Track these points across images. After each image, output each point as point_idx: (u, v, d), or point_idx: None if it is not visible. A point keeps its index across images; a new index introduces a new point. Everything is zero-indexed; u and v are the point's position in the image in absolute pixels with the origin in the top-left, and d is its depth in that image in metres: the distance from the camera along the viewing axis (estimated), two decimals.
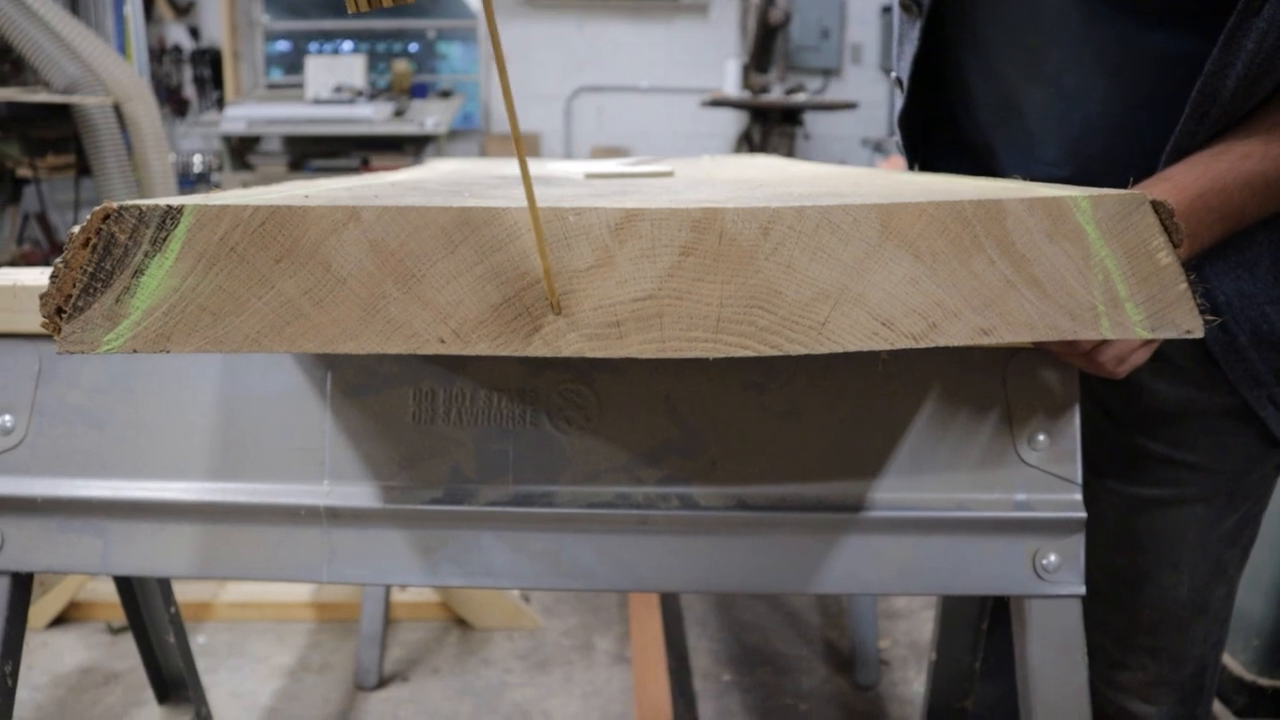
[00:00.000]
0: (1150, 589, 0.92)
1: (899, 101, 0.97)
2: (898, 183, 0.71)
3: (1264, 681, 1.72)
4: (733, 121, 5.99)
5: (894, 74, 0.97)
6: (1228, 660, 1.78)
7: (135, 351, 0.48)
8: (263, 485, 0.75)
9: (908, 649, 2.02)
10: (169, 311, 0.48)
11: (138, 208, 0.47)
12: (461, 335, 0.48)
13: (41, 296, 0.48)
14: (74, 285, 0.48)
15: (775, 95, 4.94)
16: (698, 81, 6.04)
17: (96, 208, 0.47)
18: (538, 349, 0.48)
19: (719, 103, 5.04)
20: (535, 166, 1.23)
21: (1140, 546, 0.91)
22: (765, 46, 4.89)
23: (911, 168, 1.02)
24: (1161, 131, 0.77)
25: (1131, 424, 0.88)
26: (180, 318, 0.48)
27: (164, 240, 0.47)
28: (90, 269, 0.47)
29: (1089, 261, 0.51)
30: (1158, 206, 0.51)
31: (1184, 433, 0.87)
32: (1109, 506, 0.90)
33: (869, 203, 0.48)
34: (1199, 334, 0.53)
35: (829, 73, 6.23)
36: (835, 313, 0.49)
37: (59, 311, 0.48)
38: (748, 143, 5.14)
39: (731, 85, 5.03)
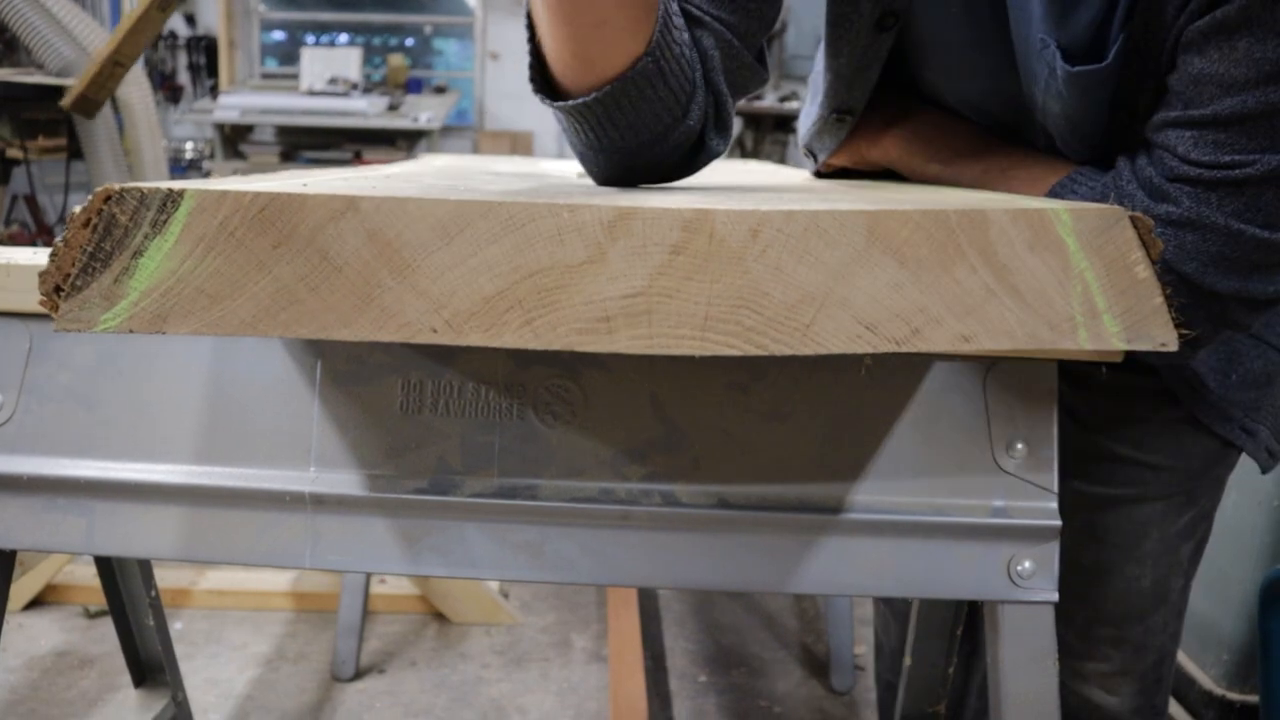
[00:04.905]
0: (1114, 581, 0.95)
1: None
2: (887, 191, 0.73)
3: (1233, 696, 1.74)
4: None
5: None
6: (1198, 674, 1.81)
7: (131, 332, 0.49)
8: (249, 470, 0.75)
9: None
10: (166, 293, 0.49)
11: (139, 190, 0.48)
12: (454, 326, 0.49)
13: (40, 274, 0.49)
14: (73, 264, 0.48)
15: (769, 102, 4.96)
16: None
17: (98, 188, 0.48)
18: (528, 341, 0.49)
19: None
20: (529, 165, 1.24)
21: (1104, 542, 0.95)
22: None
23: None
24: None
25: (1096, 427, 0.91)
26: (177, 300, 0.49)
27: (164, 223, 0.48)
28: (90, 249, 0.48)
29: (1069, 273, 0.53)
30: (1136, 221, 0.53)
31: (1147, 435, 0.91)
32: (1074, 505, 0.93)
33: (856, 208, 0.50)
34: (1174, 347, 0.54)
35: None
36: (820, 315, 0.50)
37: (57, 290, 0.49)
38: (740, 149, 5.16)
39: None
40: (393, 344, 0.69)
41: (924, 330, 0.51)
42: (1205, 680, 1.79)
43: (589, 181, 0.83)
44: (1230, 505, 1.71)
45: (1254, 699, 1.72)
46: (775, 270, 0.49)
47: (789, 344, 0.50)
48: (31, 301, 0.61)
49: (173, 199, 0.48)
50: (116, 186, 0.48)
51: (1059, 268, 0.53)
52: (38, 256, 0.76)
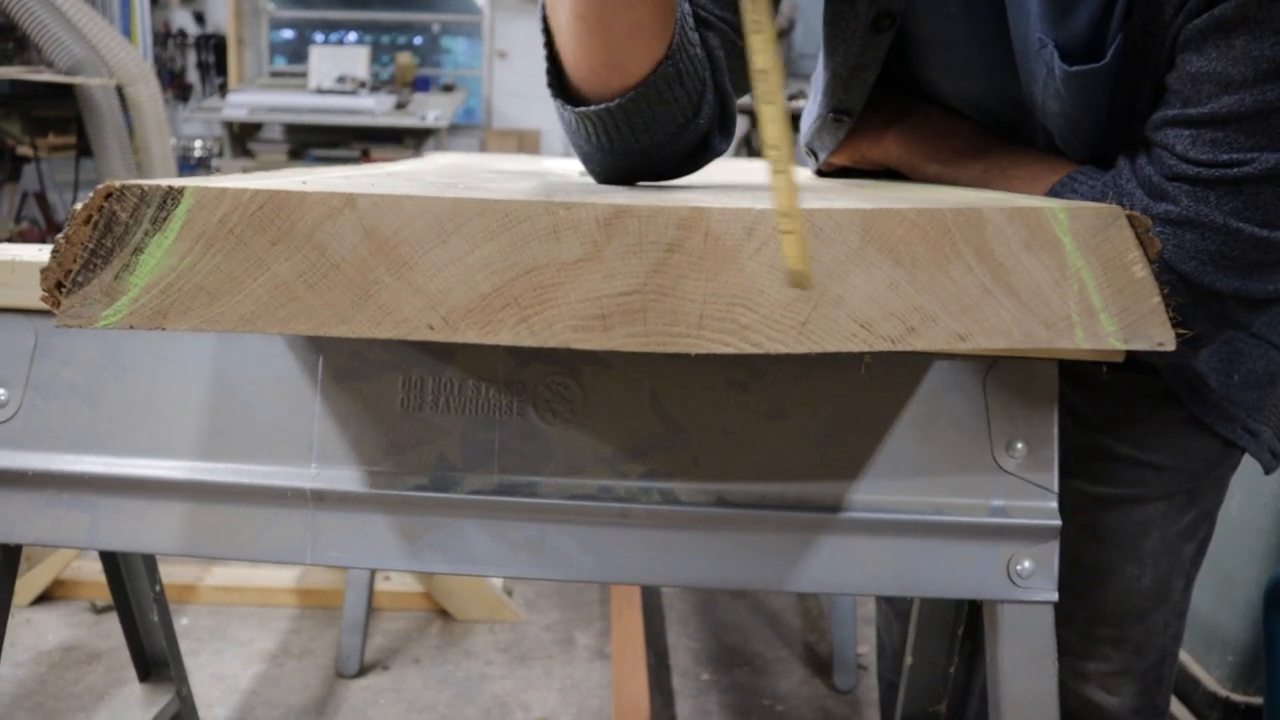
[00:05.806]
0: (1115, 581, 0.95)
1: None
2: (885, 190, 0.73)
3: (1237, 697, 1.74)
4: None
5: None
6: (1202, 676, 1.80)
7: (132, 328, 0.49)
8: (251, 466, 0.76)
9: None
10: (166, 289, 0.49)
11: (140, 187, 0.48)
12: (450, 323, 0.49)
13: (42, 271, 0.49)
14: (74, 261, 0.49)
15: None
16: None
17: (99, 185, 0.48)
18: (524, 339, 0.49)
19: None
20: (532, 164, 1.25)
21: (1105, 541, 0.94)
22: None
23: None
24: None
25: (1097, 426, 0.91)
26: (177, 296, 0.49)
27: (164, 220, 0.48)
28: (91, 245, 0.49)
29: (1065, 272, 0.53)
30: (1133, 220, 0.53)
31: (1149, 435, 0.90)
32: (1075, 505, 0.93)
33: (852, 207, 0.50)
34: (1171, 346, 0.54)
35: None
36: (815, 314, 0.50)
37: (59, 286, 0.49)
38: (746, 148, 5.16)
39: None
40: (392, 341, 0.69)
41: (920, 329, 0.51)
42: (1210, 682, 1.78)
43: (590, 180, 0.83)
44: (1235, 506, 1.70)
45: (1258, 700, 1.72)
46: (770, 268, 0.49)
47: (784, 342, 0.50)
48: (36, 298, 0.61)
49: (173, 196, 0.48)
50: (117, 184, 0.48)
51: (1055, 267, 0.53)
52: (42, 253, 0.77)
